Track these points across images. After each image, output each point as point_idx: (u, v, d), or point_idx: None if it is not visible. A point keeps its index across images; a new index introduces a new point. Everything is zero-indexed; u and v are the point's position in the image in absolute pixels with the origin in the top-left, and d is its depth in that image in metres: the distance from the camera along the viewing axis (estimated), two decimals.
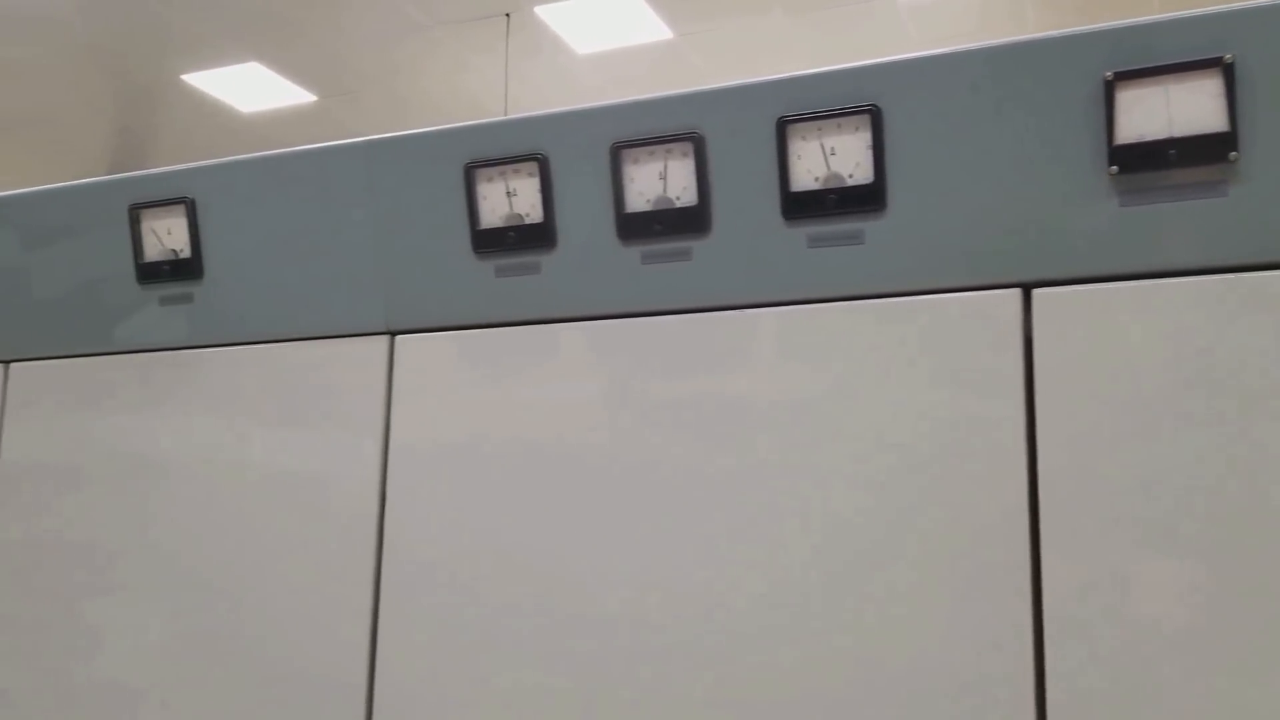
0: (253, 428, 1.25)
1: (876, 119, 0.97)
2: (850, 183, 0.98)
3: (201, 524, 1.25)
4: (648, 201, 1.07)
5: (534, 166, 1.12)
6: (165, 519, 1.27)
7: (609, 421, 1.07)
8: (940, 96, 0.96)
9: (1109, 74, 0.90)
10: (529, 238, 1.12)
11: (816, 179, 1.00)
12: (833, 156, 0.99)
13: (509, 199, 1.13)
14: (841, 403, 0.97)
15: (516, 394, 1.12)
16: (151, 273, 1.30)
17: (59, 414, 1.37)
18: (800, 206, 1.00)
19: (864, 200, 0.98)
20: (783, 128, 1.00)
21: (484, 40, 6.77)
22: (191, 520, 1.26)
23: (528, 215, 1.13)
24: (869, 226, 0.98)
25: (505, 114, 1.20)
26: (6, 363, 1.41)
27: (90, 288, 1.35)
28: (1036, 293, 0.93)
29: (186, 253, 1.29)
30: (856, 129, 0.98)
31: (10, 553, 1.36)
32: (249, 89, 7.53)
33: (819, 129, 0.99)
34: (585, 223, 1.10)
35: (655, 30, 6.76)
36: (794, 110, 1.00)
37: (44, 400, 1.38)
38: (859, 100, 0.98)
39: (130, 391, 1.33)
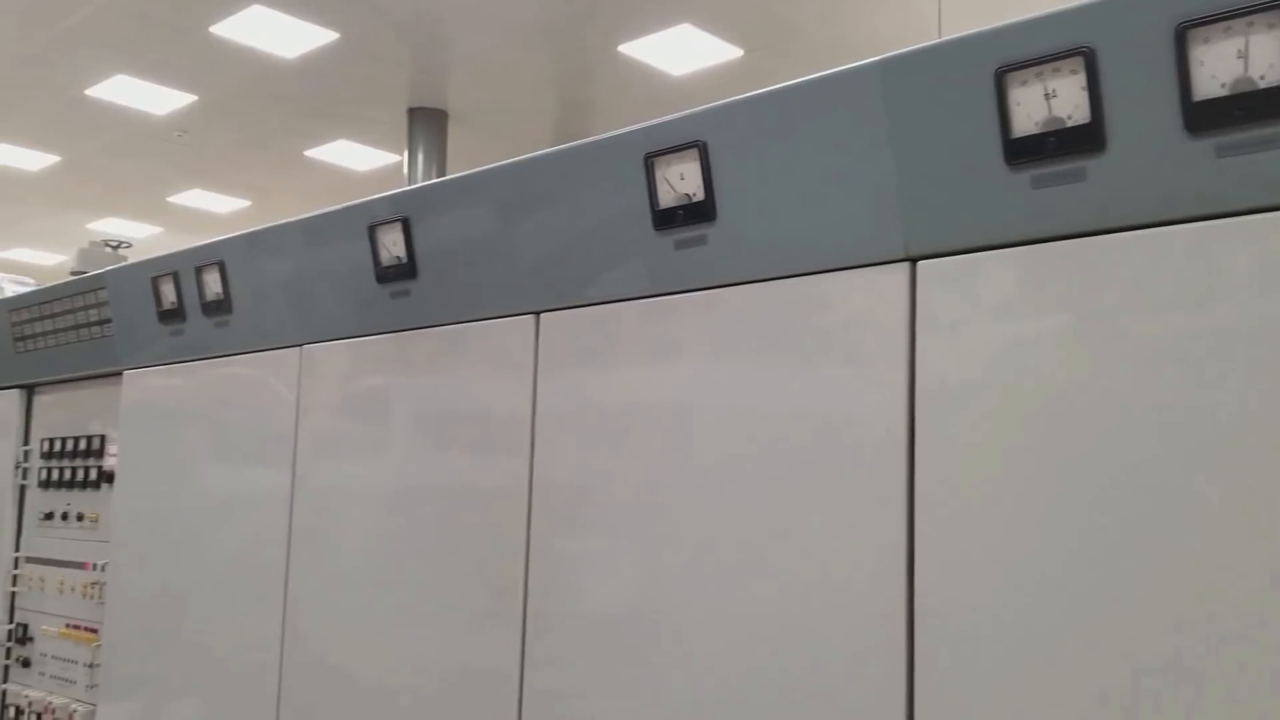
0: (771, 367, 1.25)
1: None
2: None
3: (724, 464, 1.28)
4: (1222, 86, 0.93)
5: (1077, 62, 1.01)
6: (692, 459, 1.31)
7: (1187, 351, 0.95)
8: None
9: None
10: (1073, 141, 1.02)
11: None
12: None
13: (1047, 101, 1.04)
14: None
15: (1063, 318, 1.03)
16: (667, 219, 1.34)
17: (585, 359, 1.45)
18: None
19: None
20: None
21: None
22: (715, 460, 1.29)
23: (1070, 117, 1.02)
24: None
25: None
26: (537, 314, 1.52)
27: (609, 238, 1.41)
28: None
29: (700, 196, 1.31)
30: None
31: (550, 497, 1.47)
32: (679, 51, 7.80)
33: None
34: (1141, 118, 0.98)
35: None
36: None
37: (571, 346, 1.47)
38: None
39: (652, 334, 1.38)
